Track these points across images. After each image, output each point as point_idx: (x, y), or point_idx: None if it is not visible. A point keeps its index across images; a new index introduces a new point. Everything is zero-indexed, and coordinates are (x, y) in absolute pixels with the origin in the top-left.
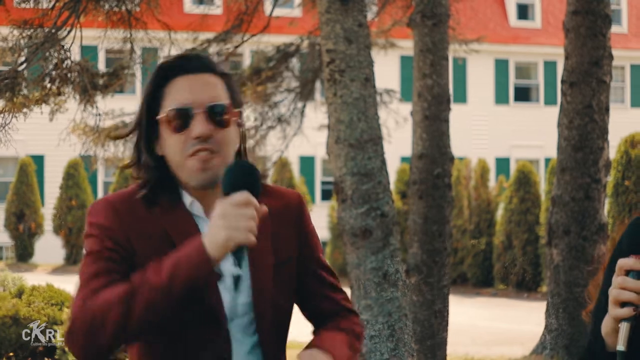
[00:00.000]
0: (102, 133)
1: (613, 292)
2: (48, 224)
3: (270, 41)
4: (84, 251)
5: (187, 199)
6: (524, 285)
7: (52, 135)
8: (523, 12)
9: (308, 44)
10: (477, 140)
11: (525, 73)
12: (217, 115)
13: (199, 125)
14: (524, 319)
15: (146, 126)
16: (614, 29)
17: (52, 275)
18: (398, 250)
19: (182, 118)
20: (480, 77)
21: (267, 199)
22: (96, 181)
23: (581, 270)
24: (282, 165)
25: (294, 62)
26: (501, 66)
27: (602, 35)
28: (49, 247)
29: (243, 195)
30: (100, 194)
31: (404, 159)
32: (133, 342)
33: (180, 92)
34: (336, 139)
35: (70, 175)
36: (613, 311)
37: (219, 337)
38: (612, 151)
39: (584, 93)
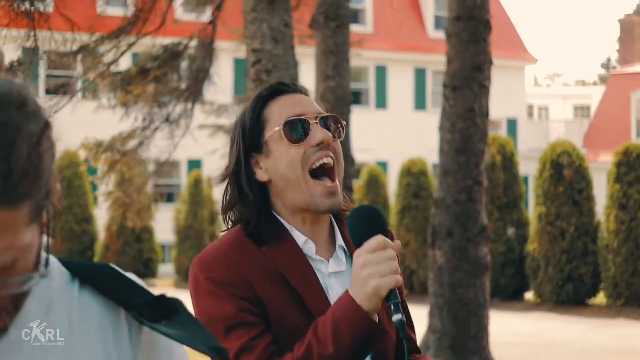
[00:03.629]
0: None
1: None
2: None
3: (164, 42)
4: (203, 312)
5: (301, 238)
6: None
7: None
8: (355, 17)
9: (197, 44)
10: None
11: (357, 77)
12: (331, 125)
13: (319, 132)
14: None
15: (245, 156)
16: (443, 35)
17: None
18: None
19: (300, 126)
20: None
21: None
22: None
23: (464, 272)
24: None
25: (183, 63)
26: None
27: (483, 41)
28: None
29: (378, 240)
30: None
31: None
32: None
33: (288, 107)
34: None
35: None
36: None
37: None
38: None
39: (466, 97)
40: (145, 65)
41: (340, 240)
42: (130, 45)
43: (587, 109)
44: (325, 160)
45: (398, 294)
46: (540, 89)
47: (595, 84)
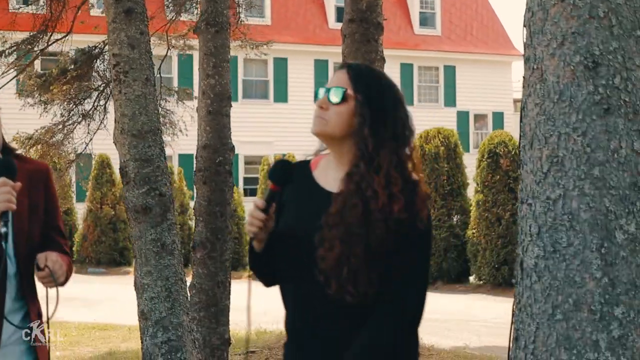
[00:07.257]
0: None
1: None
2: None
3: (78, 39)
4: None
5: None
6: None
7: None
8: (341, 14)
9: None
10: (298, 137)
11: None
12: None
13: None
14: None
15: None
16: (429, 31)
17: None
18: (174, 224)
19: None
20: (301, 76)
21: (23, 163)
22: None
23: None
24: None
25: (98, 63)
26: (320, 66)
27: (374, 41)
28: None
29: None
30: None
31: None
32: None
33: None
34: (121, 130)
35: None
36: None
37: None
38: None
39: None
40: (65, 67)
41: None
42: (42, 50)
43: None
44: None
45: (10, 215)
46: None
47: None
